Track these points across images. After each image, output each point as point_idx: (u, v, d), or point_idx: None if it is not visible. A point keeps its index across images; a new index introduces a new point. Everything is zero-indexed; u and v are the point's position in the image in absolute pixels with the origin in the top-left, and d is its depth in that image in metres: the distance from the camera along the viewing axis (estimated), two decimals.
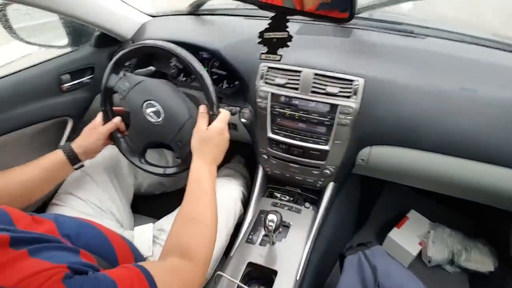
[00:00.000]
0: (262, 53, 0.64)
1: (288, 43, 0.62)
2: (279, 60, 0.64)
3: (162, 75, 0.99)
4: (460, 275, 1.07)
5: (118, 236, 0.61)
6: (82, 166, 0.75)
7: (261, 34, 0.61)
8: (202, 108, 0.71)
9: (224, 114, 0.70)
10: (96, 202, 0.77)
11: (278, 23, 0.60)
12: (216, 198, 0.81)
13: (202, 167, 0.65)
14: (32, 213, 0.50)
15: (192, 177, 0.64)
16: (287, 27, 0.60)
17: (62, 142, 0.92)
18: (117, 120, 0.77)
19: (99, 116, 0.79)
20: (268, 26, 0.60)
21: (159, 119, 0.74)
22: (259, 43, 0.62)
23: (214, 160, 0.69)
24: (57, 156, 0.71)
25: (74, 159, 0.72)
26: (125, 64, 0.78)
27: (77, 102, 0.93)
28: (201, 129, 0.68)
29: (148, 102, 0.74)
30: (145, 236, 0.71)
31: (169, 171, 0.78)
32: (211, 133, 0.67)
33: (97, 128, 0.76)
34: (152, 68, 0.83)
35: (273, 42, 0.62)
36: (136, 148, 0.79)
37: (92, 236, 0.56)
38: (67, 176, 0.75)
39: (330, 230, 0.90)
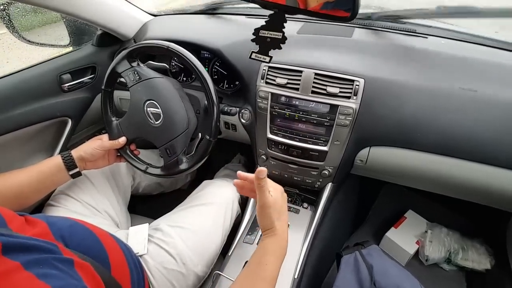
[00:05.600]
0: (253, 52, 0.63)
1: (281, 45, 0.61)
2: (269, 62, 0.63)
3: (170, 73, 1.00)
4: (457, 273, 1.08)
5: (108, 236, 0.61)
6: (79, 174, 0.73)
7: (256, 32, 0.61)
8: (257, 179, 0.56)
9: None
10: (92, 202, 0.77)
11: (276, 22, 0.60)
12: (218, 203, 0.82)
13: (271, 248, 0.54)
14: (24, 214, 0.50)
15: (256, 258, 0.54)
16: (283, 27, 0.60)
17: (61, 143, 0.92)
18: (122, 140, 0.77)
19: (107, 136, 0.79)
20: (265, 23, 0.60)
21: (157, 122, 0.74)
22: (252, 40, 0.61)
23: (286, 232, 0.58)
24: (55, 160, 0.71)
25: (70, 164, 0.71)
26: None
27: (77, 102, 0.93)
28: (270, 201, 0.56)
29: (151, 101, 0.74)
30: (140, 235, 0.72)
31: (151, 170, 0.78)
32: (279, 201, 0.58)
33: (101, 139, 0.77)
34: (166, 65, 0.82)
35: (267, 42, 0.62)
36: (125, 136, 0.79)
37: (83, 236, 0.56)
38: (63, 182, 0.74)
39: (328, 230, 0.90)
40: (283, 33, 0.60)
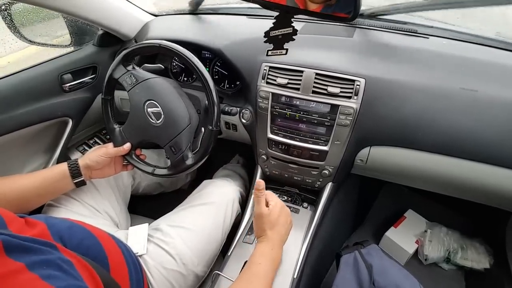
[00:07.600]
0: (269, 50, 0.64)
1: (294, 37, 0.62)
2: (286, 54, 0.64)
3: (171, 73, 1.00)
4: (456, 272, 1.08)
5: (107, 236, 0.61)
6: (83, 183, 0.73)
7: (266, 34, 0.62)
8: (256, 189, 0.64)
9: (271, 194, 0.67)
10: (92, 203, 0.77)
11: (283, 20, 0.61)
12: (218, 202, 0.82)
13: (262, 251, 0.61)
14: (24, 216, 0.51)
15: (250, 259, 0.60)
16: (292, 22, 0.61)
17: (62, 143, 0.93)
18: (127, 146, 0.77)
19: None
20: (273, 25, 0.61)
21: (158, 121, 0.74)
22: (265, 42, 0.62)
23: (281, 241, 0.65)
24: (61, 167, 0.71)
25: (75, 172, 0.71)
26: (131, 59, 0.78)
27: (78, 102, 0.93)
28: (264, 212, 0.62)
29: (151, 101, 0.74)
30: (140, 235, 0.72)
31: (158, 171, 0.78)
32: (275, 214, 0.63)
33: (106, 147, 0.77)
34: (161, 66, 0.82)
35: (279, 39, 0.63)
36: (129, 141, 0.79)
37: (82, 237, 0.56)
38: (67, 189, 0.73)
39: (328, 230, 0.90)
40: (293, 26, 0.61)
